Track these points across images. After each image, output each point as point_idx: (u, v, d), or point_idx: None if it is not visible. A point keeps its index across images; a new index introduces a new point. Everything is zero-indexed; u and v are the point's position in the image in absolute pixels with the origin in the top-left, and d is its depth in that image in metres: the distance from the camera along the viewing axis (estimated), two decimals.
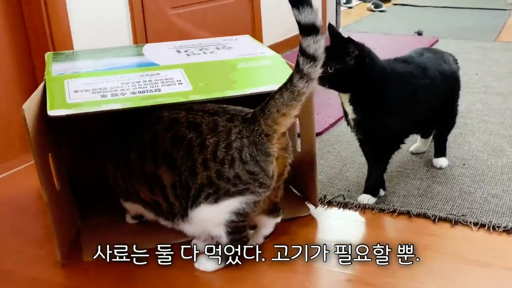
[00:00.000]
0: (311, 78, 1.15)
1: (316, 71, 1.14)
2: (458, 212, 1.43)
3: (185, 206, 1.22)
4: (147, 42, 2.40)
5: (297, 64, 1.15)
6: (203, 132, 1.20)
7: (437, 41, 3.50)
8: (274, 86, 1.37)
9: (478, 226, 1.37)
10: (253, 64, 1.47)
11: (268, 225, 1.33)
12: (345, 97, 1.43)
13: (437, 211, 1.44)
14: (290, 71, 1.42)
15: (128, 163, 1.31)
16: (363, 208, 1.49)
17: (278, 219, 1.33)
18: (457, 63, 1.68)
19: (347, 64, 1.36)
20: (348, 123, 1.49)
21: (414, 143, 1.84)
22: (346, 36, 1.40)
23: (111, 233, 1.42)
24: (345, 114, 1.48)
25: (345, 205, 1.51)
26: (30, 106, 1.23)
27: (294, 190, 1.59)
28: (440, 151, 1.72)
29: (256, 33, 3.22)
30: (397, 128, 1.45)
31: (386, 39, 3.63)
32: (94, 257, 1.30)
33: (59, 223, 1.31)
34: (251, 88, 1.35)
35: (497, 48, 3.34)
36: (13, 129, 1.94)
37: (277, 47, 3.36)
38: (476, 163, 1.73)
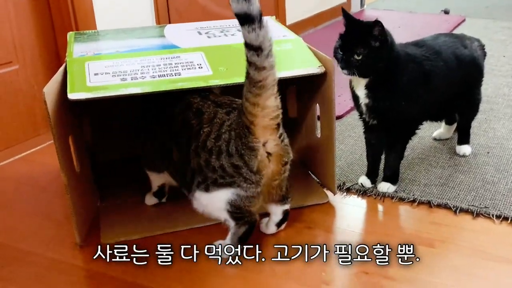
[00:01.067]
0: (260, 67, 1.11)
1: (262, 60, 1.10)
2: (480, 204, 1.40)
3: (188, 188, 1.28)
4: (169, 21, 2.38)
5: (245, 54, 1.13)
6: (203, 121, 1.24)
7: (464, 20, 3.40)
8: (294, 72, 1.36)
9: (500, 219, 1.34)
10: (274, 48, 1.44)
11: (277, 212, 1.33)
12: (360, 81, 1.38)
13: (459, 201, 1.41)
14: (311, 55, 1.41)
15: (159, 137, 1.36)
16: (382, 197, 1.47)
17: (287, 206, 1.33)
18: (483, 49, 1.62)
19: (372, 47, 1.31)
20: (359, 108, 1.44)
21: (438, 129, 1.80)
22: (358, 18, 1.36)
23: (129, 216, 1.43)
24: (355, 99, 1.43)
25: (364, 193, 1.49)
26: (50, 89, 1.23)
27: (313, 176, 1.58)
28: (464, 138, 1.69)
29: (280, 11, 3.16)
30: (412, 112, 1.41)
31: (411, 17, 3.54)
32: (113, 242, 1.32)
33: (79, 205, 1.33)
34: None
35: None
36: (36, 107, 1.96)
37: (301, 25, 3.31)
38: (500, 151, 1.69)
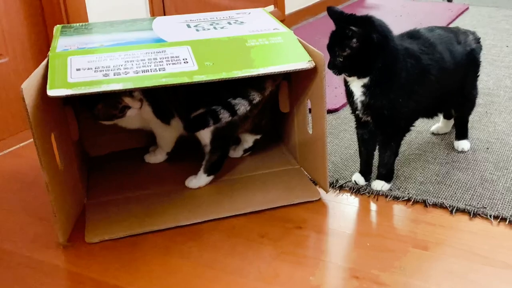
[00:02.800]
0: None
1: None
2: (478, 203, 1.35)
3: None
4: (164, 13, 2.33)
5: None
6: None
7: (467, 8, 3.32)
8: (283, 67, 1.31)
9: (498, 220, 1.29)
10: (263, 42, 1.39)
11: (248, 140, 1.61)
12: (355, 80, 1.33)
13: (455, 201, 1.36)
14: (301, 49, 1.36)
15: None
16: (376, 195, 1.42)
17: (258, 136, 1.61)
18: (478, 42, 1.56)
19: (352, 48, 1.25)
20: (352, 104, 1.38)
21: (436, 123, 1.75)
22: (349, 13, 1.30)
23: (115, 214, 1.39)
24: (349, 95, 1.37)
25: (357, 191, 1.45)
26: (30, 85, 1.19)
27: (305, 173, 1.53)
28: (462, 133, 1.63)
29: (279, 0, 3.10)
30: (407, 108, 1.35)
31: (414, 5, 3.46)
32: (97, 240, 1.29)
33: (62, 204, 1.29)
34: (259, 69, 1.28)
35: None
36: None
37: (301, 14, 3.25)
38: (500, 147, 1.63)
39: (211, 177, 1.48)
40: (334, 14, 1.30)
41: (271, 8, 2.99)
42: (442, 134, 1.73)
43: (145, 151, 1.69)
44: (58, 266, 1.24)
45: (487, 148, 1.63)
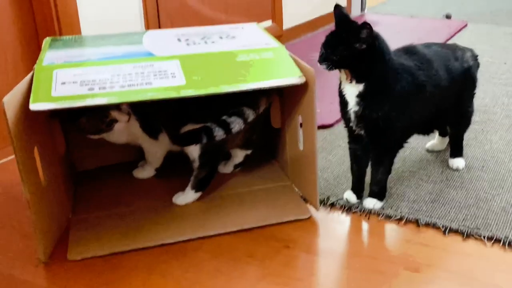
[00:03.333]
0: None
1: None
2: (471, 224, 1.31)
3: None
4: (159, 26, 2.31)
5: None
6: None
7: (466, 25, 3.31)
8: (273, 82, 1.29)
9: (492, 241, 1.25)
10: (254, 57, 1.36)
11: (239, 155, 1.59)
12: (350, 87, 1.30)
13: (449, 221, 1.33)
14: (292, 65, 1.33)
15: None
16: (368, 213, 1.39)
17: (249, 151, 1.59)
18: (476, 59, 1.54)
19: (355, 50, 1.24)
20: (345, 115, 1.35)
21: (431, 140, 1.72)
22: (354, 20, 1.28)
23: (100, 230, 1.35)
24: (344, 105, 1.34)
25: (349, 209, 1.41)
26: (12, 98, 1.17)
27: (296, 190, 1.50)
28: (456, 151, 1.60)
29: (277, 16, 3.09)
30: (401, 124, 1.32)
31: (413, 22, 3.45)
32: (79, 258, 1.25)
33: (44, 221, 1.26)
34: (248, 84, 1.26)
35: None
36: None
37: (298, 29, 3.23)
38: (496, 166, 1.60)
39: (199, 194, 1.45)
40: (341, 15, 1.28)
41: (269, 23, 2.98)
42: (437, 151, 1.70)
43: (134, 166, 1.66)
44: (37, 284, 1.20)
45: (482, 167, 1.60)
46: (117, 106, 1.41)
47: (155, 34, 1.60)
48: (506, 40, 3.02)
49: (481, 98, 2.13)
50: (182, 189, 1.47)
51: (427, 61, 1.37)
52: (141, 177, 1.62)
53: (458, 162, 1.59)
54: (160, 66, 1.31)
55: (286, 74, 1.30)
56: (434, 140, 1.71)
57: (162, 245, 1.29)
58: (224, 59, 1.36)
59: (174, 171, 1.59)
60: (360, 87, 1.29)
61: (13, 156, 1.56)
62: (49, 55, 1.40)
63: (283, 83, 1.28)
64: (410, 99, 1.32)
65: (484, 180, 1.52)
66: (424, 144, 1.73)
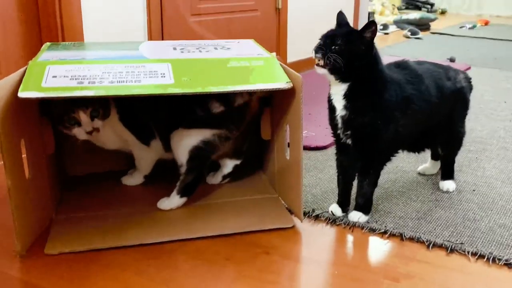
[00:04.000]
0: None
1: None
2: (456, 240, 1.29)
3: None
4: (162, 39, 2.35)
5: None
6: None
7: (469, 68, 3.34)
8: (259, 85, 1.30)
9: (476, 257, 1.22)
10: (244, 64, 1.38)
11: (228, 165, 1.58)
12: (338, 90, 1.31)
13: (434, 236, 1.30)
14: (281, 72, 1.35)
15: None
16: (352, 226, 1.37)
17: (238, 162, 1.59)
18: (469, 82, 1.55)
19: (355, 46, 1.25)
20: (333, 122, 1.35)
21: (423, 163, 1.71)
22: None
23: (79, 229, 1.34)
24: (332, 111, 1.35)
25: (333, 222, 1.39)
26: (2, 85, 1.18)
27: (283, 202, 1.48)
28: (447, 173, 1.59)
29: (281, 49, 3.15)
30: (387, 134, 1.32)
31: None
32: (56, 252, 1.24)
33: (25, 212, 1.25)
34: (235, 86, 1.27)
35: None
36: None
37: (300, 65, 3.28)
38: (487, 190, 1.58)
39: (184, 199, 1.44)
40: (343, 20, 1.32)
41: (273, 55, 3.04)
42: (428, 175, 1.69)
43: (124, 174, 1.66)
44: (12, 276, 1.18)
45: (473, 190, 1.58)
46: (91, 112, 1.37)
47: (152, 43, 1.65)
48: (507, 82, 3.03)
49: (478, 131, 2.13)
50: (168, 196, 1.46)
51: (417, 76, 1.38)
52: (129, 184, 1.62)
53: (448, 185, 1.57)
54: (151, 67, 1.33)
55: (274, 80, 1.31)
56: (426, 164, 1.70)
57: (140, 245, 1.27)
58: (215, 64, 1.38)
59: (163, 179, 1.59)
60: (346, 86, 1.29)
61: None
62: (46, 55, 1.43)
63: (270, 87, 1.29)
64: (397, 110, 1.32)
65: (474, 202, 1.50)
66: (416, 168, 1.72)
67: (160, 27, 2.36)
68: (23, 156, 1.27)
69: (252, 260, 1.22)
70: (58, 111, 1.38)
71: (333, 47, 1.26)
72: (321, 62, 1.27)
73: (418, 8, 7.20)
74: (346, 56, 1.25)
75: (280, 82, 1.30)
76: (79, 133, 1.38)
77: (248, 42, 1.66)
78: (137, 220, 1.39)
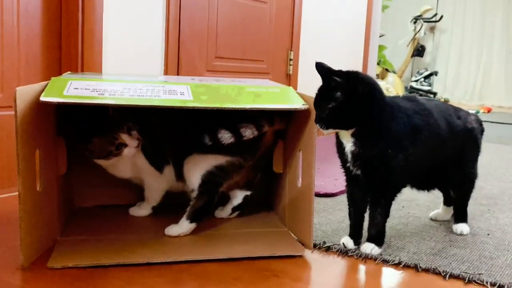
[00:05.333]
0: None
1: None
2: (474, 272, 1.24)
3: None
4: (178, 74, 2.40)
5: None
6: None
7: None
8: (276, 105, 1.32)
9: (496, 287, 1.17)
10: (261, 90, 1.41)
11: (238, 196, 1.56)
12: (345, 131, 1.31)
13: (450, 269, 1.26)
14: (297, 98, 1.37)
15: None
16: (364, 258, 1.32)
17: (249, 193, 1.57)
18: (480, 124, 1.56)
19: (337, 100, 1.25)
20: (342, 156, 1.34)
21: (436, 209, 1.69)
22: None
23: (85, 248, 1.31)
24: (340, 145, 1.34)
25: (345, 253, 1.35)
26: (25, 91, 1.20)
27: (292, 234, 1.45)
28: (461, 216, 1.56)
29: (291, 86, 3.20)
30: (397, 163, 1.30)
31: None
32: (59, 266, 1.19)
33: (32, 222, 1.22)
34: (253, 104, 1.29)
35: None
36: None
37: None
38: (502, 235, 1.55)
39: (193, 225, 1.41)
40: (322, 69, 1.30)
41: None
42: (440, 221, 1.66)
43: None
44: (14, 284, 1.13)
45: (488, 234, 1.54)
46: (127, 130, 1.43)
47: (171, 76, 1.68)
48: None
49: (489, 189, 2.12)
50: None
51: (425, 109, 1.38)
52: (137, 214, 1.59)
53: (462, 227, 1.54)
54: (170, 87, 1.36)
55: (291, 102, 1.33)
56: (438, 210, 1.68)
57: (146, 264, 1.23)
58: (233, 88, 1.41)
59: (170, 211, 1.56)
60: (352, 131, 1.29)
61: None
62: (68, 75, 1.47)
63: (287, 107, 1.31)
64: (405, 139, 1.31)
65: (489, 244, 1.46)
66: (428, 214, 1.69)
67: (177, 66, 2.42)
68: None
69: (262, 281, 1.18)
70: (100, 146, 1.40)
71: (327, 113, 1.25)
72: (325, 131, 1.29)
73: (421, 96, 7.40)
74: (343, 116, 1.26)
75: (297, 103, 1.32)
76: (130, 152, 1.43)
77: (264, 80, 1.71)
78: (144, 243, 1.36)
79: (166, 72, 2.32)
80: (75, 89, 1.28)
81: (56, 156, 1.45)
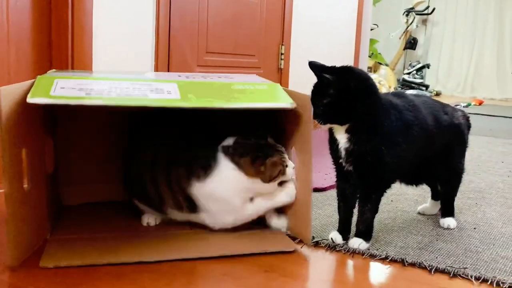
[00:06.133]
0: None
1: None
2: (459, 266, 1.26)
3: None
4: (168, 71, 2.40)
5: None
6: None
7: None
8: (264, 104, 1.32)
9: (480, 281, 1.19)
10: (249, 87, 1.42)
11: None
12: (340, 126, 1.32)
13: (436, 263, 1.27)
14: (285, 95, 1.38)
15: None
16: (352, 253, 1.34)
17: None
18: (467, 120, 1.58)
19: (331, 96, 1.27)
20: (336, 153, 1.35)
21: (424, 203, 1.70)
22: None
23: (77, 246, 1.31)
24: (333, 142, 1.35)
25: (333, 248, 1.36)
26: (9, 90, 1.19)
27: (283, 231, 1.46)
28: (447, 210, 1.58)
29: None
30: (390, 159, 1.32)
31: None
32: (51, 266, 1.19)
33: (20, 224, 1.21)
34: (242, 103, 1.30)
35: None
36: None
37: None
38: (488, 228, 1.56)
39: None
40: (315, 67, 1.32)
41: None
42: (428, 215, 1.67)
43: (121, 205, 1.62)
44: (3, 281, 1.14)
45: (474, 228, 1.56)
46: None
47: (157, 72, 1.68)
48: (504, 147, 3.08)
49: (477, 183, 2.14)
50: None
51: (414, 105, 1.40)
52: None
53: (449, 221, 1.56)
54: (157, 85, 1.35)
55: (278, 100, 1.34)
56: (426, 204, 1.70)
57: (138, 263, 1.23)
58: (220, 86, 1.42)
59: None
60: (346, 127, 1.31)
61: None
62: (54, 73, 1.46)
63: (275, 106, 1.31)
64: (398, 135, 1.33)
65: (475, 238, 1.48)
66: (415, 209, 1.71)
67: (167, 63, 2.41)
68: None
69: (251, 276, 1.19)
70: (270, 170, 1.36)
71: (322, 109, 1.28)
72: (324, 126, 1.31)
73: (414, 89, 7.43)
74: (338, 111, 1.28)
75: (285, 102, 1.32)
76: (291, 172, 1.40)
77: (251, 76, 1.71)
78: (136, 241, 1.36)
79: (156, 68, 2.32)
80: (61, 88, 1.27)
81: (44, 154, 1.45)
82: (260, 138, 1.40)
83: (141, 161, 1.46)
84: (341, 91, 1.27)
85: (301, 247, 1.36)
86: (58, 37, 2.00)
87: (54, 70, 1.62)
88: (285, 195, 1.41)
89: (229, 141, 1.38)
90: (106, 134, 1.66)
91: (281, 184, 1.41)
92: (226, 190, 1.35)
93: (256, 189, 1.37)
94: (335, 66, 1.32)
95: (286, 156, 1.39)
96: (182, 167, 1.38)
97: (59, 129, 1.58)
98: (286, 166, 1.38)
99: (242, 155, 1.34)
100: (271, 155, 1.35)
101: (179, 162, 1.40)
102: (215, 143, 1.40)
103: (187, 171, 1.38)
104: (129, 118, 1.57)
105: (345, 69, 1.30)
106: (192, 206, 1.39)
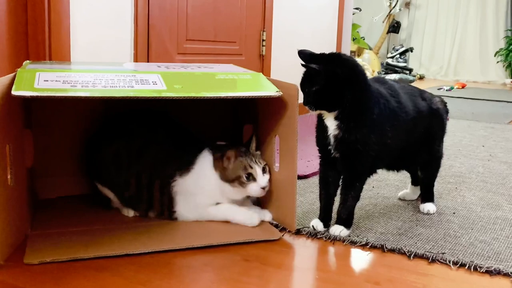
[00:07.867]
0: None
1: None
2: (438, 251, 1.29)
3: None
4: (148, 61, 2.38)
5: None
6: None
7: (447, 119, 3.43)
8: (249, 93, 1.33)
9: (458, 265, 1.22)
10: (232, 77, 1.42)
11: None
12: (330, 113, 1.33)
13: (415, 248, 1.30)
14: (268, 83, 1.38)
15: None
16: (333, 240, 1.36)
17: None
18: (445, 105, 1.60)
19: (319, 83, 1.29)
20: (324, 140, 1.36)
21: (404, 189, 1.73)
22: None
23: (60, 241, 1.31)
24: (322, 130, 1.37)
25: (314, 236, 1.39)
26: None
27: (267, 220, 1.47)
28: (427, 196, 1.61)
29: None
30: (378, 146, 1.34)
31: None
32: (36, 262, 1.19)
33: (5, 221, 1.21)
34: (228, 92, 1.30)
35: (508, 129, 3.25)
36: None
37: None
38: (467, 213, 1.60)
39: None
40: (304, 56, 1.33)
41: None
42: (408, 200, 1.70)
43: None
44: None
45: (454, 213, 1.59)
46: (264, 168, 1.43)
47: (135, 63, 1.68)
48: (485, 131, 3.12)
49: (457, 167, 2.17)
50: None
51: (395, 91, 1.42)
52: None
53: (429, 206, 1.59)
54: (141, 76, 1.35)
55: (264, 89, 1.34)
56: (406, 190, 1.72)
57: (124, 256, 1.24)
58: (204, 76, 1.42)
59: None
60: (337, 111, 1.32)
61: None
62: (32, 65, 1.45)
63: (261, 94, 1.32)
64: (387, 123, 1.35)
65: (454, 223, 1.51)
66: (396, 194, 1.74)
67: (146, 62, 2.41)
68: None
69: (232, 265, 1.21)
70: (234, 168, 1.40)
71: (311, 96, 1.30)
72: (314, 112, 1.33)
73: (397, 73, 7.47)
74: (327, 98, 1.30)
75: (270, 91, 1.33)
76: (255, 189, 1.40)
77: (229, 65, 1.71)
78: (119, 234, 1.36)
79: (136, 56, 2.30)
80: (45, 81, 1.26)
81: (23, 149, 1.44)
82: (245, 146, 1.46)
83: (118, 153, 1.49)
84: (329, 78, 1.28)
85: (282, 235, 1.38)
86: (35, 28, 1.98)
87: (29, 61, 1.60)
88: (246, 218, 1.42)
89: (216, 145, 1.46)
90: (81, 126, 1.65)
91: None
92: (197, 186, 1.42)
93: (224, 193, 1.42)
94: (324, 53, 1.33)
95: (257, 166, 1.40)
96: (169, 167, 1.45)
97: (34, 122, 1.56)
98: (252, 175, 1.39)
99: (215, 152, 1.42)
100: (241, 156, 1.40)
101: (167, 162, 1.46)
102: (197, 145, 1.48)
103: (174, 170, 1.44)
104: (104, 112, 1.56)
105: (333, 56, 1.32)
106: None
